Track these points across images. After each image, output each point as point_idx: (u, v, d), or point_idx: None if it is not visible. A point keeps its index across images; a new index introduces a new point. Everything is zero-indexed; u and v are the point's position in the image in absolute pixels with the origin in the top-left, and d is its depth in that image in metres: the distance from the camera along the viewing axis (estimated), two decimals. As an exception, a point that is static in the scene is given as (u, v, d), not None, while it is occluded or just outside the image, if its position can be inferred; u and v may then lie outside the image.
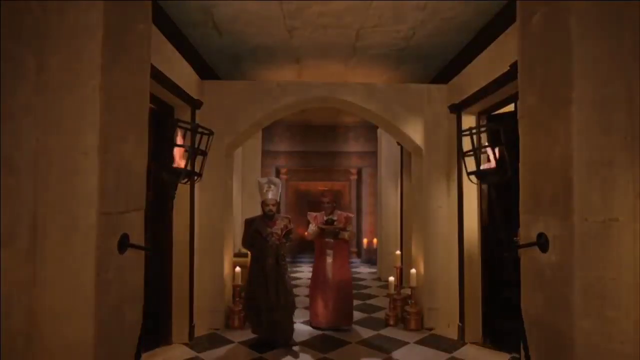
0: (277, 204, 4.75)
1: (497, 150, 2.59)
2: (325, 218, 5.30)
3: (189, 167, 2.19)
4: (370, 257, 10.39)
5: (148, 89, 2.40)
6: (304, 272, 9.37)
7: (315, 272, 5.35)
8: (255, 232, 4.58)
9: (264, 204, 4.64)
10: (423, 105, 5.36)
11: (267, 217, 4.64)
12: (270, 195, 4.63)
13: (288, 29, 4.23)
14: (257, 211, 9.37)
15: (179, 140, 2.24)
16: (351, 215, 5.51)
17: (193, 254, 4.83)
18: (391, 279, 5.70)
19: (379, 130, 8.87)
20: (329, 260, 5.27)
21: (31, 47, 1.84)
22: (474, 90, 4.50)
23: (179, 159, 2.15)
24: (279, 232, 4.60)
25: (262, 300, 4.45)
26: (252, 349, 4.52)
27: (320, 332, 5.11)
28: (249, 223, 4.71)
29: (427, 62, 5.21)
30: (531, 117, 2.28)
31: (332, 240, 5.29)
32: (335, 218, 5.31)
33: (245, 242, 4.76)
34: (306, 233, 5.43)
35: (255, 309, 4.51)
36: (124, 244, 2.01)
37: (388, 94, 5.37)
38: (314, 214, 5.44)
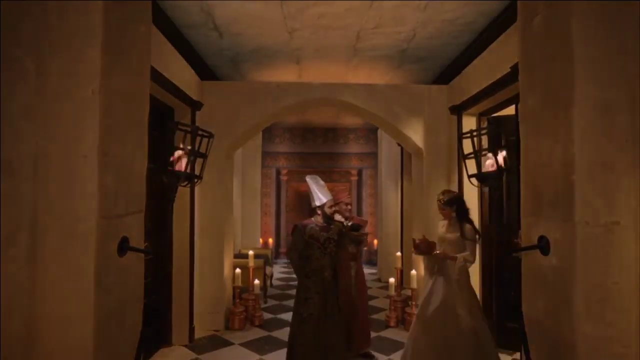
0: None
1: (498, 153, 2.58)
2: (348, 223, 4.45)
3: (188, 170, 2.18)
4: (371, 258, 10.38)
5: (148, 90, 2.40)
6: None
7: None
8: (311, 239, 3.71)
9: (326, 206, 3.76)
10: (423, 106, 5.35)
11: (327, 220, 3.81)
12: (329, 195, 3.85)
13: (288, 30, 4.23)
14: (257, 213, 9.49)
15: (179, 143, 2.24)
16: (366, 220, 5.19)
17: (193, 255, 4.83)
18: (391, 280, 5.69)
19: (379, 132, 8.87)
20: (352, 273, 4.48)
21: (30, 49, 1.84)
22: (475, 92, 4.50)
23: (177, 163, 2.15)
24: (336, 237, 3.79)
25: (317, 324, 3.59)
26: None
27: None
28: (302, 229, 3.75)
29: (427, 63, 5.20)
30: (532, 119, 2.27)
31: (355, 250, 4.53)
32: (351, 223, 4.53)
33: (296, 253, 3.75)
34: None
35: (311, 337, 3.59)
36: (123, 247, 2.00)
37: (388, 95, 5.36)
38: None
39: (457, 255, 3.49)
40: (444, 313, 3.50)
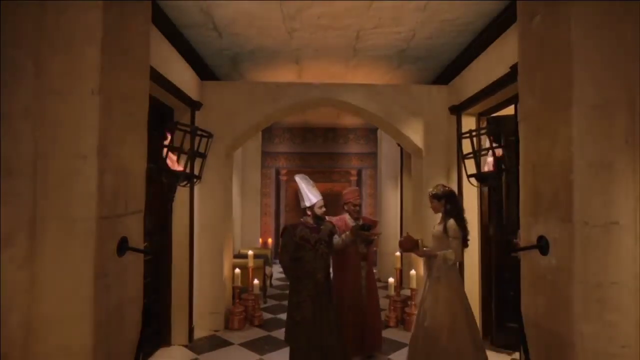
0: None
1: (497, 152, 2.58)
2: (360, 222, 4.32)
3: (187, 170, 2.18)
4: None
5: (147, 90, 2.40)
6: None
7: (343, 291, 4.25)
8: (301, 240, 3.61)
9: (316, 206, 3.67)
10: (423, 106, 5.35)
11: (317, 221, 3.72)
12: (319, 196, 3.73)
13: (288, 31, 4.23)
14: (257, 213, 9.48)
15: (178, 143, 2.24)
16: (376, 220, 5.12)
17: (193, 255, 4.82)
18: (391, 280, 5.69)
19: (379, 132, 8.87)
20: (363, 274, 4.44)
21: (30, 49, 1.84)
22: (474, 92, 4.50)
23: (175, 163, 2.15)
24: (327, 238, 3.71)
25: (312, 327, 3.54)
26: None
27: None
28: (292, 231, 3.66)
29: (427, 63, 5.20)
30: (531, 119, 2.28)
31: (365, 250, 4.48)
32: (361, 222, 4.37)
33: (287, 256, 3.65)
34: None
35: (305, 340, 3.53)
36: (123, 247, 2.01)
37: (388, 95, 5.36)
38: (335, 218, 4.35)
39: (438, 252, 3.48)
40: (421, 312, 3.54)
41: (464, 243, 3.53)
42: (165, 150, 2.16)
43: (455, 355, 3.32)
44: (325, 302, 3.60)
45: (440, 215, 3.70)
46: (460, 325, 3.38)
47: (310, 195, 3.68)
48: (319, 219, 3.72)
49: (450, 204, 3.57)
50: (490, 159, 2.89)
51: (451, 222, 3.48)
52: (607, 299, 1.86)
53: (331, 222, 3.92)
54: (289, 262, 3.63)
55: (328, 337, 3.55)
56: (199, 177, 2.44)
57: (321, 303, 3.57)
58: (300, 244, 3.60)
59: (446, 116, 5.25)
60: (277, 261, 10.00)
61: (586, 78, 1.92)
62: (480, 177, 3.20)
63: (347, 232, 3.95)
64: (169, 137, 2.33)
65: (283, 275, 8.74)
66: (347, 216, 4.45)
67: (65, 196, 1.84)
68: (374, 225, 4.63)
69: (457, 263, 3.56)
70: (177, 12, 3.78)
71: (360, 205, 4.60)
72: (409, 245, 3.68)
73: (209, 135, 2.47)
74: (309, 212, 3.70)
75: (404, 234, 3.91)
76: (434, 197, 3.64)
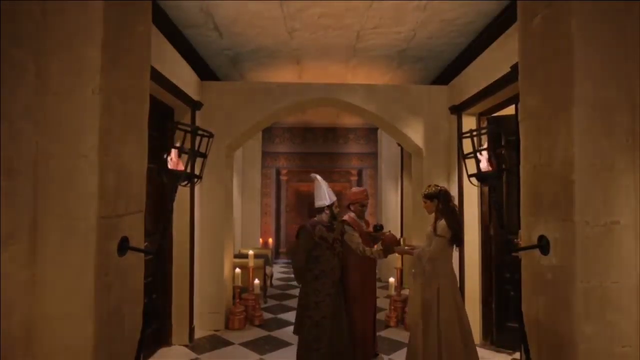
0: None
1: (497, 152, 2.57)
2: (376, 223, 4.44)
3: (188, 170, 2.18)
4: (371, 258, 10.36)
5: (148, 90, 2.40)
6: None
7: (365, 292, 4.10)
8: (320, 239, 3.60)
9: (333, 206, 3.71)
10: (423, 106, 5.35)
11: (333, 220, 3.74)
12: (334, 197, 3.79)
13: (288, 30, 4.23)
14: (257, 213, 9.48)
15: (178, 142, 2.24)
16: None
17: (193, 255, 4.83)
18: (391, 279, 5.69)
19: (379, 131, 8.87)
20: (376, 272, 4.45)
21: (31, 49, 1.84)
22: (475, 92, 4.50)
23: (176, 162, 2.14)
24: (341, 237, 3.73)
25: (331, 326, 3.50)
26: None
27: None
28: (311, 230, 3.63)
29: (427, 63, 5.20)
30: (532, 119, 2.27)
31: None
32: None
33: (303, 255, 3.60)
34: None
35: (326, 340, 3.48)
36: (123, 246, 2.00)
37: (388, 95, 5.36)
38: (345, 217, 4.22)
39: (414, 251, 3.60)
40: None
41: (456, 242, 3.52)
42: (173, 151, 2.16)
43: (442, 352, 3.33)
44: (340, 301, 3.61)
45: (429, 213, 3.73)
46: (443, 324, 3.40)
47: (328, 195, 3.73)
48: (334, 218, 3.74)
49: (442, 203, 3.56)
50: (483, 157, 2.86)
51: (441, 222, 3.49)
52: (608, 298, 1.85)
53: (344, 222, 3.91)
54: (304, 263, 3.60)
55: (345, 338, 3.56)
56: (199, 177, 2.44)
57: (339, 302, 3.59)
58: (318, 243, 3.61)
59: (446, 116, 5.26)
60: (278, 261, 10.07)
61: (587, 77, 1.92)
62: (481, 177, 3.20)
63: (378, 250, 3.87)
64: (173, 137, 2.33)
65: (283, 275, 8.74)
66: (354, 215, 4.24)
67: (66, 196, 1.84)
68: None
69: (450, 262, 3.56)
70: (178, 12, 3.78)
71: (366, 206, 4.49)
72: (388, 242, 3.80)
73: (210, 135, 2.47)
74: (327, 211, 3.70)
75: (386, 233, 4.02)
76: (426, 197, 3.65)
